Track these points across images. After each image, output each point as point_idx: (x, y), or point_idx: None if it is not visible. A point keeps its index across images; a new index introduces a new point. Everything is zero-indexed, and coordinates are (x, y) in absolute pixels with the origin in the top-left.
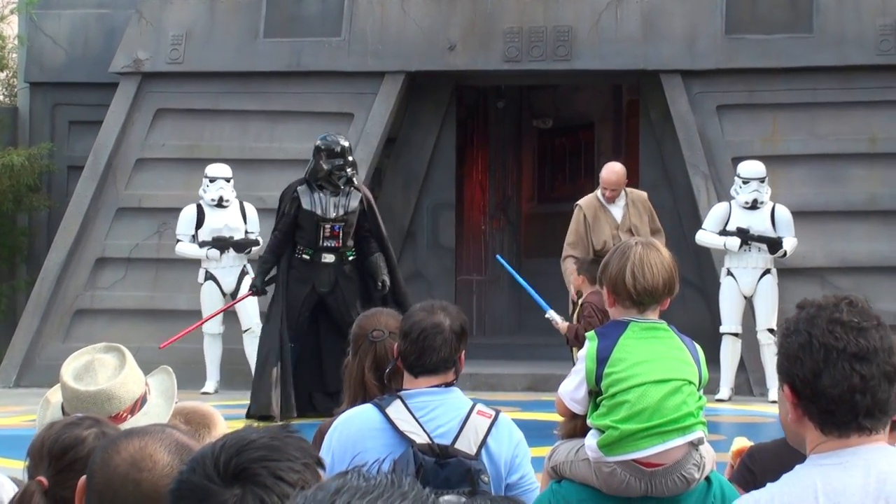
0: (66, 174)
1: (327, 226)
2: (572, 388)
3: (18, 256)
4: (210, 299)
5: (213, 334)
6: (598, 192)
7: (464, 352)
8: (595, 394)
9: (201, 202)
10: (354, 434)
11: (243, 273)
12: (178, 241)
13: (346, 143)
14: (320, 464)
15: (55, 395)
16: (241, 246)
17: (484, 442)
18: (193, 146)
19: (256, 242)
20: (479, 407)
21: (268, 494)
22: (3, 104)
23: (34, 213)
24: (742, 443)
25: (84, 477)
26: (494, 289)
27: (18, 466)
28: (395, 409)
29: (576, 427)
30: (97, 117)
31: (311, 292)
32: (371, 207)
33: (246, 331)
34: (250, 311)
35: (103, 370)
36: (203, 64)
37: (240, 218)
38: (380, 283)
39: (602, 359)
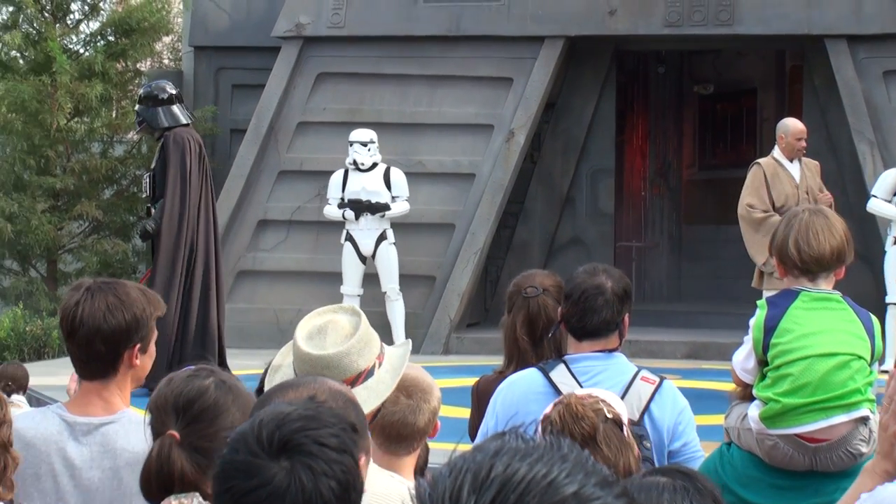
0: (228, 137)
1: (144, 179)
2: (742, 358)
3: None
4: (349, 260)
5: (351, 295)
6: (775, 152)
7: (627, 315)
8: (762, 363)
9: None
10: (518, 397)
11: (382, 237)
12: (328, 203)
13: (142, 90)
14: (354, 428)
15: (287, 357)
16: (375, 209)
17: (647, 408)
18: (354, 110)
19: (387, 207)
20: (644, 373)
21: (314, 461)
22: (168, 68)
23: None
24: None
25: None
26: (653, 255)
27: None
28: (559, 373)
29: (748, 396)
30: (259, 81)
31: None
32: (164, 153)
33: (385, 293)
34: (392, 272)
35: (334, 334)
36: (364, 28)
37: (380, 182)
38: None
39: (769, 328)
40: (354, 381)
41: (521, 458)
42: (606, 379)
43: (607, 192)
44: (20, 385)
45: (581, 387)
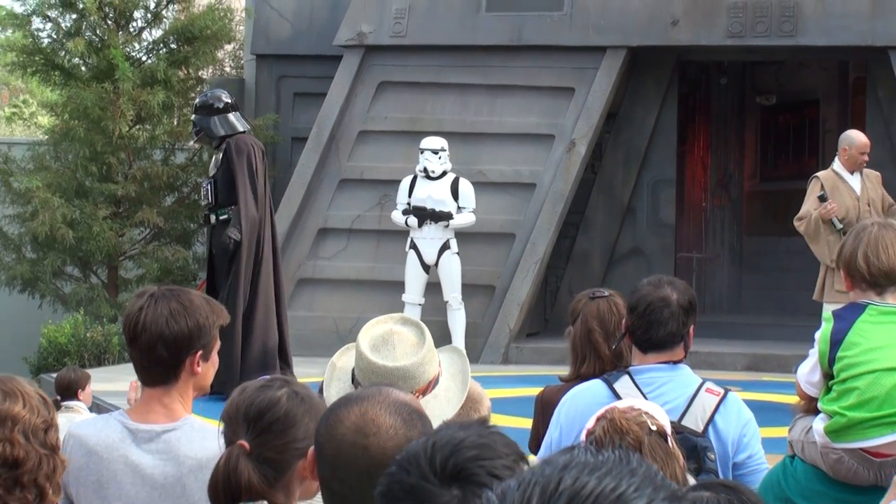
0: (290, 145)
1: (203, 187)
2: (807, 371)
3: None
4: (412, 268)
5: (413, 304)
6: (835, 164)
7: (692, 327)
8: (828, 377)
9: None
10: (583, 409)
11: (445, 246)
12: (395, 208)
13: (198, 99)
14: (524, 458)
15: (342, 359)
16: (438, 217)
17: (711, 419)
18: (415, 119)
19: (450, 215)
20: (709, 384)
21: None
22: (230, 76)
23: None
24: None
25: (312, 448)
26: (714, 266)
27: None
28: (623, 385)
29: (813, 409)
30: (321, 89)
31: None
32: (228, 159)
33: (446, 303)
34: (454, 282)
35: (402, 345)
36: (425, 37)
37: (447, 191)
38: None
39: (836, 342)
40: (425, 390)
41: (589, 472)
42: (671, 390)
43: (668, 203)
44: (79, 390)
45: (645, 398)
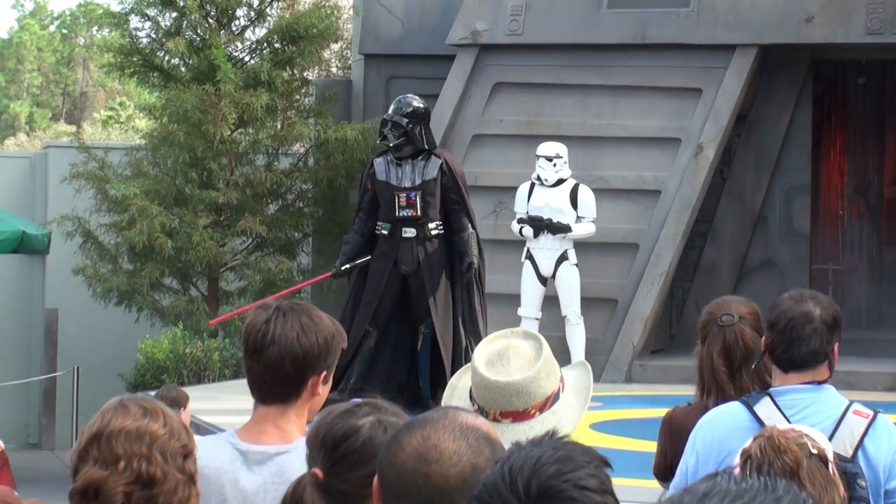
0: None
1: (402, 195)
2: None
3: None
4: (528, 281)
5: (529, 318)
6: None
7: (837, 345)
8: None
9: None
10: (721, 434)
11: (563, 257)
12: (516, 216)
13: (396, 106)
14: (607, 463)
15: (461, 379)
16: (555, 228)
17: (860, 444)
18: (532, 122)
19: (568, 228)
20: (856, 406)
21: None
22: (337, 77)
23: None
24: None
25: (376, 477)
26: (852, 279)
27: None
28: (764, 407)
29: None
30: (433, 91)
31: (393, 271)
32: (453, 176)
33: (564, 317)
34: (573, 295)
35: (517, 359)
36: (543, 36)
37: (566, 199)
38: (466, 264)
39: None
40: (542, 406)
41: (731, 500)
42: (815, 413)
43: (802, 211)
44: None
45: (788, 421)
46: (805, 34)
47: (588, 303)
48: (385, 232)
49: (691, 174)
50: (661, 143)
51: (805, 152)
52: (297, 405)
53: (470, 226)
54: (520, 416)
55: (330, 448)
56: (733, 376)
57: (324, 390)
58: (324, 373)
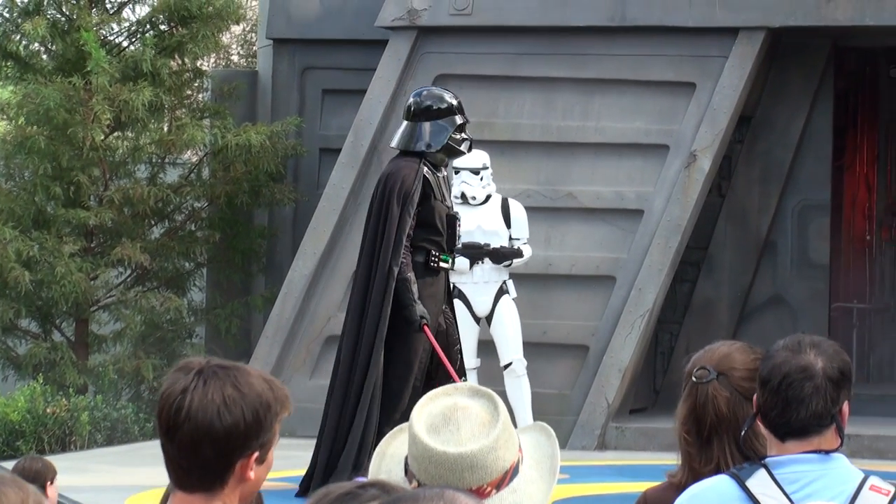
0: (317, 158)
1: (459, 221)
2: None
3: (255, 265)
4: (461, 324)
5: (467, 368)
6: None
7: (846, 404)
8: None
9: None
10: None
11: (501, 291)
12: None
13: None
14: None
15: (392, 444)
16: (499, 256)
17: None
18: (483, 124)
19: (519, 253)
20: (873, 480)
21: None
22: (239, 67)
23: (276, 209)
24: None
25: None
26: (882, 321)
27: None
28: (759, 482)
29: None
30: (359, 85)
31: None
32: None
33: (506, 367)
34: (517, 337)
35: (468, 424)
36: (497, 16)
37: (498, 218)
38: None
39: None
40: (500, 483)
41: None
42: (824, 488)
43: (821, 236)
44: (47, 484)
45: (790, 500)
46: (825, 15)
47: (551, 350)
48: (446, 265)
49: (682, 190)
50: (645, 150)
51: (824, 163)
52: (225, 494)
53: None
54: (473, 495)
55: None
56: (702, 448)
57: (259, 472)
58: (255, 454)
